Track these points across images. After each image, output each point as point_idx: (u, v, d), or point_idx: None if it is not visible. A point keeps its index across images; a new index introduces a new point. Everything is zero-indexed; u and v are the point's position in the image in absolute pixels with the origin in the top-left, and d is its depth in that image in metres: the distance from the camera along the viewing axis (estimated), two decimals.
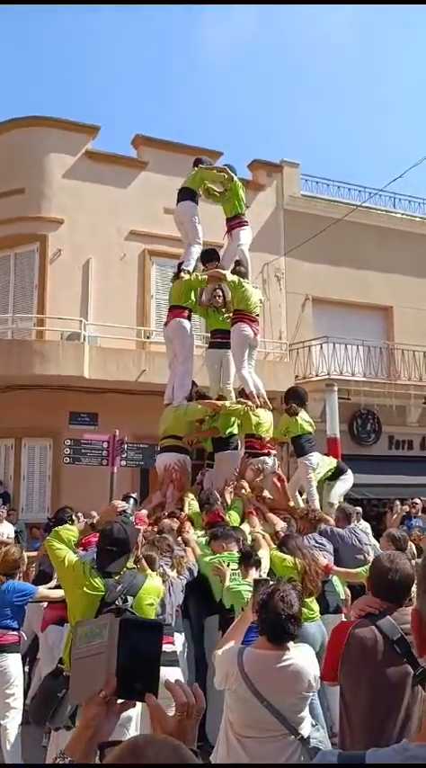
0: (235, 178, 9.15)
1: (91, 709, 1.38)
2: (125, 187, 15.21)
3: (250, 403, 8.06)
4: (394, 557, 3.00)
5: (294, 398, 8.34)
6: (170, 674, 4.28)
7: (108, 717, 1.39)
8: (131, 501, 5.06)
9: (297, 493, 8.37)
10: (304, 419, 8.30)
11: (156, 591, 3.52)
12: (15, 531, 10.38)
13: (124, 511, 4.61)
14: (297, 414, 8.23)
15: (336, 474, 8.48)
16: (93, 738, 1.38)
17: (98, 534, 6.62)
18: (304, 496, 8.28)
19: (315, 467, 8.19)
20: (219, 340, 8.93)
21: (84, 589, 3.50)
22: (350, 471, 8.74)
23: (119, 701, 1.40)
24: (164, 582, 4.74)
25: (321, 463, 8.35)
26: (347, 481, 8.59)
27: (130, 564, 3.64)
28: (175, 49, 39.77)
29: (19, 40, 37.36)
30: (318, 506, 7.87)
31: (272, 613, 3.01)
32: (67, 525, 7.29)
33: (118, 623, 1.40)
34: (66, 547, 3.89)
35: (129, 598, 3.39)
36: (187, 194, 8.90)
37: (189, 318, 8.61)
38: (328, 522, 6.82)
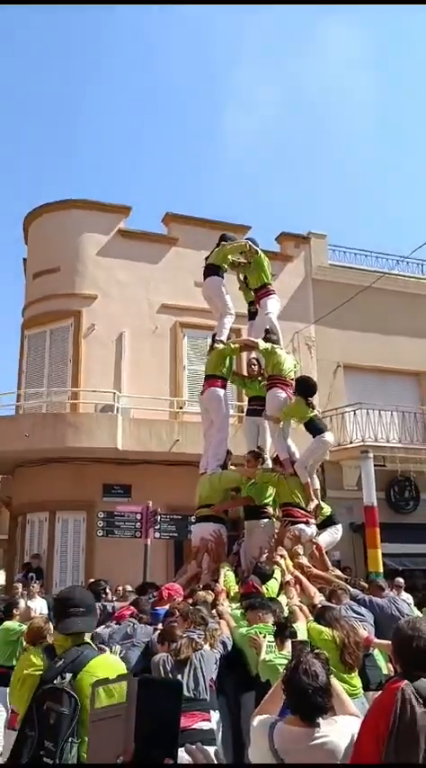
0: (259, 251, 9.41)
1: None
2: (156, 262, 15.68)
3: (284, 470, 7.99)
4: (416, 622, 2.85)
5: (300, 388, 8.19)
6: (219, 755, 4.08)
7: None
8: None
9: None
10: (312, 405, 8.18)
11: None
12: (49, 607, 10.25)
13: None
14: (309, 404, 8.12)
15: (326, 523, 8.24)
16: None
17: (131, 606, 6.57)
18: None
19: (331, 442, 8.31)
20: (256, 407, 9.04)
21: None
22: (340, 527, 8.51)
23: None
24: (195, 650, 4.61)
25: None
26: (334, 534, 8.32)
27: (88, 638, 2.99)
28: (203, 129, 41.59)
29: (54, 125, 39.46)
30: (317, 486, 8.22)
31: (297, 689, 2.81)
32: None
33: (136, 683, 1.35)
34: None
35: (67, 675, 2.80)
36: (212, 270, 9.18)
37: (224, 387, 8.72)
38: (366, 591, 6.61)
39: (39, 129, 38.91)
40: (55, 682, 2.78)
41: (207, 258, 9.38)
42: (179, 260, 15.61)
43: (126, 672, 2.67)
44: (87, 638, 3.00)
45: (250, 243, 9.50)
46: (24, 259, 17.00)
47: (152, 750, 1.31)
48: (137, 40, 42.15)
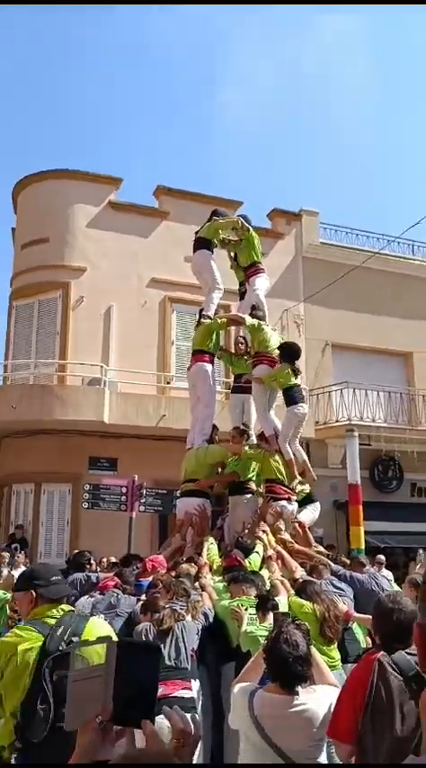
0: (250, 228, 9.37)
1: (86, 736, 1.34)
2: (146, 236, 15.55)
3: (269, 447, 8.05)
4: (397, 597, 2.92)
5: (285, 354, 8.20)
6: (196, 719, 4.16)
7: (104, 744, 1.34)
8: None
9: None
10: (288, 373, 8.13)
11: (103, 631, 2.80)
12: None
13: None
14: (294, 371, 8.13)
15: (305, 501, 8.34)
16: (89, 766, 1.32)
17: (115, 577, 6.63)
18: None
19: (305, 414, 8.26)
20: (242, 384, 9.09)
21: (18, 648, 2.77)
22: (319, 504, 8.60)
23: (116, 727, 1.35)
24: (177, 621, 4.68)
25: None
26: (313, 512, 8.40)
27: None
28: (196, 101, 41.05)
29: (46, 95, 38.84)
30: (305, 457, 8.21)
31: (278, 658, 2.90)
32: None
33: (115, 646, 1.36)
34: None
35: (74, 638, 2.73)
36: (202, 244, 9.12)
37: (211, 363, 8.72)
38: (347, 567, 6.71)
39: (29, 97, 38.29)
40: (60, 648, 2.73)
41: (197, 232, 9.32)
42: (169, 234, 15.49)
43: (110, 635, 2.69)
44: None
45: (242, 219, 9.45)
46: (13, 228, 16.81)
47: (130, 711, 1.32)
48: (132, 8, 41.41)
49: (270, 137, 42.63)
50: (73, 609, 2.95)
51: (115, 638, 1.54)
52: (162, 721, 1.42)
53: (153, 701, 1.36)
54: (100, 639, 1.44)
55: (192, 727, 1.30)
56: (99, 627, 2.85)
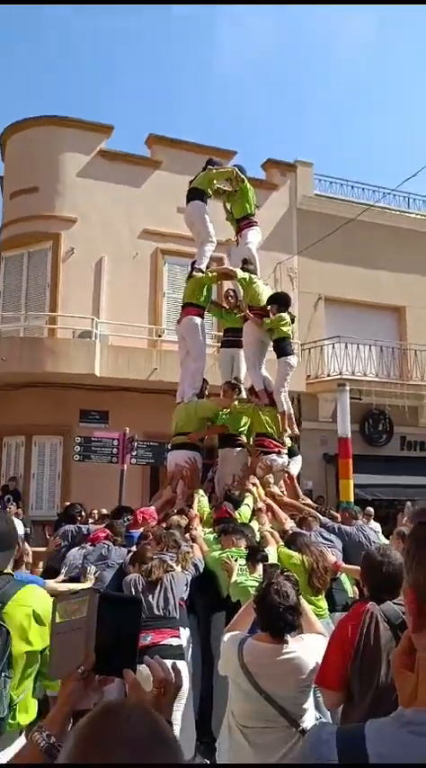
0: (245, 179, 9.17)
1: (69, 685, 1.38)
2: (138, 186, 15.26)
3: (259, 401, 8.05)
4: (385, 549, 2.99)
5: (276, 302, 8.16)
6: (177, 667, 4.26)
7: (86, 693, 1.38)
8: None
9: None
10: (287, 322, 8.13)
11: (37, 599, 2.64)
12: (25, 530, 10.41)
13: None
14: (281, 317, 8.06)
15: (288, 455, 8.39)
16: (71, 714, 1.37)
17: (106, 529, 6.69)
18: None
19: (294, 366, 8.27)
20: (232, 338, 9.03)
21: None
22: (300, 458, 8.67)
23: (98, 676, 1.40)
24: (166, 572, 4.75)
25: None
26: (294, 464, 8.48)
27: (9, 569, 2.76)
28: (191, 49, 39.89)
29: (35, 40, 37.62)
30: (291, 411, 8.20)
31: (269, 607, 2.99)
32: None
33: (97, 598, 1.40)
34: None
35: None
36: (196, 195, 8.93)
37: (201, 316, 8.64)
38: (336, 519, 6.79)
39: (17, 40, 37.04)
40: None
41: (191, 182, 9.13)
42: (162, 184, 15.19)
43: (47, 605, 2.53)
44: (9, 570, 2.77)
45: (237, 170, 9.23)
46: (0, 177, 16.43)
47: (112, 661, 1.36)
48: None
49: (266, 85, 41.62)
50: (12, 574, 2.76)
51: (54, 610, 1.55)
52: (145, 671, 1.44)
53: (135, 652, 1.39)
54: (81, 592, 1.45)
55: (173, 675, 1.31)
56: (32, 595, 2.66)
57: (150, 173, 15.46)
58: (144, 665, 1.38)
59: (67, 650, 1.41)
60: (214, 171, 9.01)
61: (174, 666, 1.36)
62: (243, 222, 9.27)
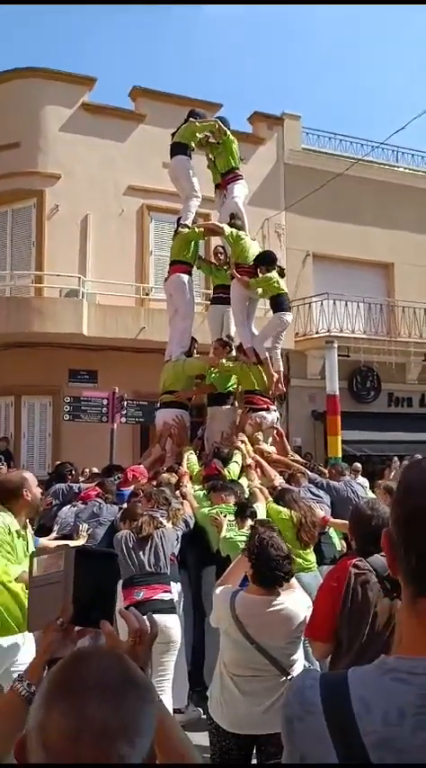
0: (228, 132, 8.98)
1: (48, 636, 1.42)
2: (122, 141, 14.95)
3: (247, 359, 8.05)
4: (374, 503, 3.05)
5: (263, 263, 8.07)
6: (167, 621, 4.37)
7: (65, 643, 1.43)
8: None
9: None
10: (275, 281, 8.08)
11: None
12: None
13: None
14: (268, 278, 8.01)
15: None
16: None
17: (97, 487, 6.75)
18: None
19: (288, 323, 8.33)
20: (222, 295, 8.92)
21: None
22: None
23: (77, 627, 1.44)
24: (156, 528, 4.82)
25: None
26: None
27: None
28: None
29: None
30: (281, 367, 8.28)
31: (266, 558, 3.09)
32: None
33: (73, 552, 1.43)
34: None
35: None
36: (180, 149, 8.75)
37: (189, 273, 8.57)
38: (324, 475, 6.88)
39: None
40: None
41: (173, 134, 8.94)
42: (146, 138, 14.85)
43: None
44: None
45: (219, 122, 9.04)
46: None
47: (90, 613, 1.40)
48: None
49: (252, 36, 40.53)
50: None
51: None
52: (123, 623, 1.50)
53: (112, 604, 1.45)
54: (58, 548, 1.49)
55: (148, 625, 1.37)
56: None
57: (134, 126, 15.12)
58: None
59: (46, 603, 1.45)
60: (197, 123, 8.83)
61: (150, 617, 1.41)
62: (228, 176, 9.09)
